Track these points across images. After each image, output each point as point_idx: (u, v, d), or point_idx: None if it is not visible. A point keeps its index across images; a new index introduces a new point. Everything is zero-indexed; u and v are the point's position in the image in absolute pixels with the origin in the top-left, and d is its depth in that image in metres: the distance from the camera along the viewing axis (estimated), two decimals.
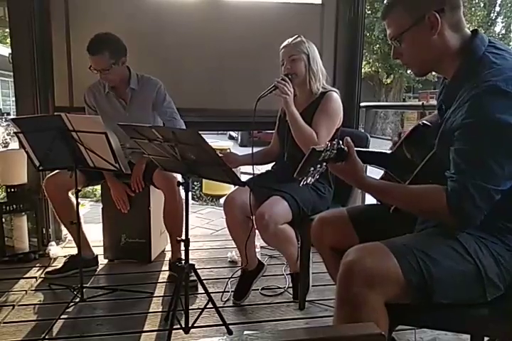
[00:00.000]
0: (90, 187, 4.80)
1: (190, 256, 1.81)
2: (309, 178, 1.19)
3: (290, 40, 2.07)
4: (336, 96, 2.07)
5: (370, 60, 17.77)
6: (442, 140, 1.18)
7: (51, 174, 2.37)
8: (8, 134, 8.21)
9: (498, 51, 1.14)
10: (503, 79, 1.06)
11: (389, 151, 1.38)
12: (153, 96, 2.47)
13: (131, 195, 2.48)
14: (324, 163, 1.20)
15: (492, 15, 17.92)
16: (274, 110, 2.26)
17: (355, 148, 1.24)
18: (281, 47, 2.08)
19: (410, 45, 1.21)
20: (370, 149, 1.34)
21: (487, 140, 1.06)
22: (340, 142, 1.21)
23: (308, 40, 2.08)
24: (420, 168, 1.23)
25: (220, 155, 2.13)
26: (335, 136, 2.06)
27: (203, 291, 1.87)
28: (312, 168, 1.17)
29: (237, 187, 2.06)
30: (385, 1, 16.39)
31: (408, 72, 18.45)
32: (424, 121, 1.35)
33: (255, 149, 2.29)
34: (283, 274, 2.47)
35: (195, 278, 1.90)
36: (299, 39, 2.06)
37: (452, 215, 1.09)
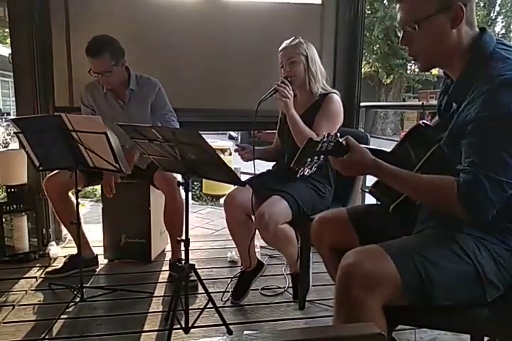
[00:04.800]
0: (90, 187, 4.80)
1: (190, 256, 1.81)
2: (306, 170, 1.19)
3: (288, 41, 2.06)
4: (336, 97, 2.06)
5: (370, 60, 17.80)
6: (452, 134, 1.16)
7: (51, 174, 2.37)
8: (8, 134, 8.20)
9: (508, 48, 1.14)
10: None
11: (388, 150, 1.37)
12: (152, 98, 2.46)
13: (118, 182, 2.38)
14: (322, 156, 1.19)
15: (492, 15, 17.95)
16: (273, 110, 2.25)
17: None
18: (280, 49, 2.07)
19: (427, 33, 1.15)
20: (369, 146, 1.33)
21: (501, 133, 1.05)
22: (338, 134, 1.20)
23: (306, 40, 2.07)
24: (420, 165, 1.23)
25: (236, 148, 2.12)
26: None
27: (203, 291, 1.87)
28: (309, 159, 1.16)
29: (237, 186, 2.06)
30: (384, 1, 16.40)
31: (408, 72, 18.49)
32: (425, 121, 1.35)
33: (256, 148, 2.30)
34: (283, 274, 2.47)
35: (195, 278, 1.90)
36: (297, 40, 2.05)
37: (462, 206, 1.07)
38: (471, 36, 1.16)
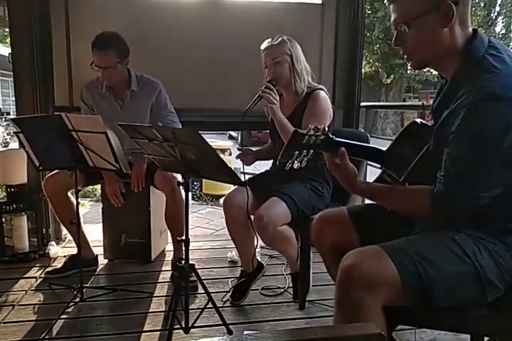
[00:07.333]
0: (90, 187, 4.80)
1: (191, 256, 1.81)
2: (295, 163, 1.18)
3: (271, 40, 2.01)
4: (322, 94, 2.02)
5: (370, 60, 17.78)
6: (437, 140, 1.18)
7: (50, 174, 2.36)
8: (8, 134, 8.21)
9: (498, 53, 1.12)
10: (500, 85, 1.05)
11: (384, 148, 1.37)
12: (152, 99, 2.45)
13: (122, 191, 2.42)
14: (311, 150, 1.18)
15: (492, 15, 17.93)
16: None
17: (350, 141, 1.24)
18: (263, 48, 2.03)
19: (418, 33, 1.15)
20: (364, 144, 1.33)
21: (478, 147, 1.07)
22: (326, 128, 1.19)
23: (289, 38, 2.03)
24: (414, 163, 1.23)
25: (238, 152, 2.14)
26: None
27: (203, 291, 1.87)
28: (297, 152, 1.16)
29: (236, 186, 2.06)
30: (385, 1, 16.38)
31: (408, 72, 18.48)
32: (422, 120, 1.35)
33: (255, 149, 2.30)
34: (283, 274, 2.47)
35: (195, 278, 1.90)
36: (280, 39, 2.00)
37: (436, 215, 1.13)
38: (464, 37, 1.15)
